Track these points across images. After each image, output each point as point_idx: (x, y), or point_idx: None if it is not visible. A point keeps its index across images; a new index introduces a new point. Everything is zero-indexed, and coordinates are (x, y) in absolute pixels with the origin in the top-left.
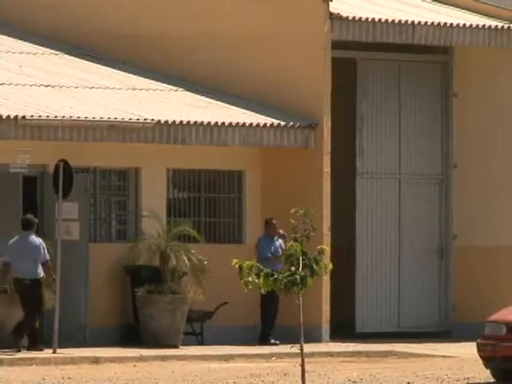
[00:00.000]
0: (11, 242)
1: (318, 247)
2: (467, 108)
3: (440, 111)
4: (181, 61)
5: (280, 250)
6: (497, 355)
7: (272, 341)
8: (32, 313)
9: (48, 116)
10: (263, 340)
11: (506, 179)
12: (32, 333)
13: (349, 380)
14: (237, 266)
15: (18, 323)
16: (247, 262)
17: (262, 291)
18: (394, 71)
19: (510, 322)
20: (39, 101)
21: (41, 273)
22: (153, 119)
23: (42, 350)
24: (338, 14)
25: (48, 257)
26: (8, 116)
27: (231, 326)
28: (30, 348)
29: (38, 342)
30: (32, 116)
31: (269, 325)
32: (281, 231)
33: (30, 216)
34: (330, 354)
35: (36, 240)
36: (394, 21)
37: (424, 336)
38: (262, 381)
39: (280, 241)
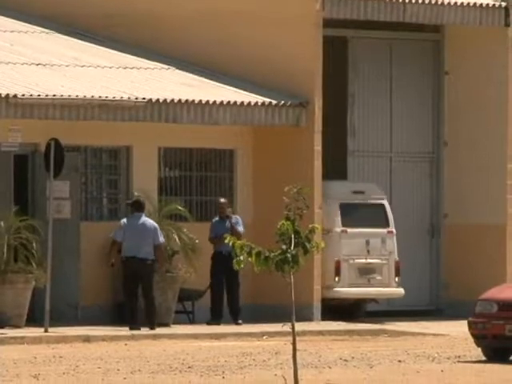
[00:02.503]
0: (122, 221)
1: (310, 226)
2: (458, 86)
3: (431, 89)
4: (172, 40)
5: (226, 231)
6: (488, 333)
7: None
8: (133, 294)
9: (39, 95)
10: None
11: (497, 157)
12: (133, 313)
13: (340, 358)
14: (230, 242)
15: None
16: (238, 242)
17: (255, 269)
18: (385, 49)
19: (500, 301)
20: (30, 79)
21: (152, 255)
22: (144, 98)
23: (139, 329)
24: None
25: (163, 240)
26: None
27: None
28: (131, 327)
29: (136, 322)
30: (23, 95)
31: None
32: (228, 211)
33: (141, 198)
34: (322, 333)
35: (151, 222)
36: None
37: (415, 314)
38: (254, 359)
39: (237, 218)
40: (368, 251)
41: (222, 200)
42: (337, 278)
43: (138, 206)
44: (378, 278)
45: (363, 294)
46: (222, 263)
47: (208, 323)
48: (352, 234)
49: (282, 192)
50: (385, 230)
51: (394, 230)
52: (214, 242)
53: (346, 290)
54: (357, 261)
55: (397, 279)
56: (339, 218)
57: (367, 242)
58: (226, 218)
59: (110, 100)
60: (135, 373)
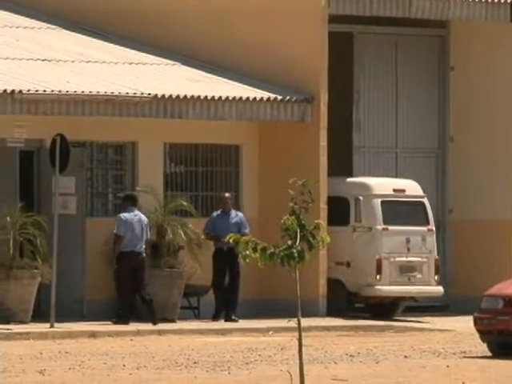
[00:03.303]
0: (123, 215)
1: (315, 221)
2: (464, 82)
3: (437, 85)
4: (178, 36)
5: (228, 226)
6: (493, 329)
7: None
8: (129, 289)
9: (45, 90)
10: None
11: (503, 153)
12: (124, 307)
13: (346, 354)
14: (231, 240)
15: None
16: (244, 238)
17: (260, 264)
18: (391, 45)
19: (506, 296)
20: (36, 75)
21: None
22: (150, 93)
23: (127, 323)
24: None
25: (149, 236)
26: (5, 90)
27: None
28: (116, 321)
29: (126, 316)
30: (29, 90)
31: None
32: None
33: (134, 192)
34: (328, 329)
35: (144, 217)
36: None
37: (421, 310)
38: (259, 355)
39: (239, 215)
40: (408, 249)
41: (227, 194)
42: (378, 276)
43: (133, 200)
44: (419, 276)
45: (404, 292)
46: (224, 260)
47: (213, 319)
48: (393, 231)
49: (288, 187)
50: (425, 228)
51: (433, 228)
52: (210, 239)
53: (387, 289)
54: (397, 259)
55: (436, 277)
56: (380, 216)
57: (407, 240)
58: (229, 211)
59: (115, 96)
60: (141, 368)
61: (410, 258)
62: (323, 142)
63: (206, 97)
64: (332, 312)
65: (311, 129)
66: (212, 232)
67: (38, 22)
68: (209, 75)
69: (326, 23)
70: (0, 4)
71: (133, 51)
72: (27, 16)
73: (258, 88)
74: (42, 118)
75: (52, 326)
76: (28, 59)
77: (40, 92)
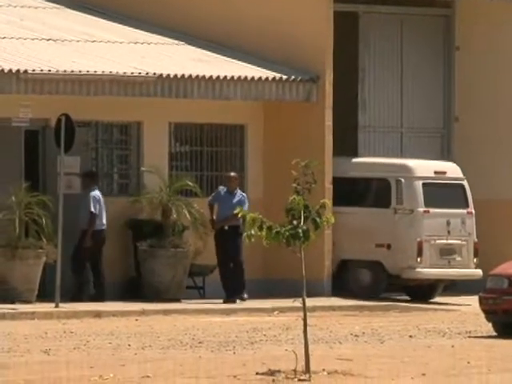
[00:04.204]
0: (97, 194)
1: (321, 201)
2: (469, 62)
3: (442, 65)
4: (183, 15)
5: (232, 205)
6: (498, 309)
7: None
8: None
9: (50, 70)
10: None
11: (508, 132)
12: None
13: (351, 334)
14: (239, 215)
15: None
16: (251, 214)
17: (264, 243)
18: (396, 25)
19: (511, 276)
20: (41, 55)
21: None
22: (155, 73)
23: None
24: None
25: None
26: (10, 70)
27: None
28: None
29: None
30: (34, 70)
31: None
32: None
33: (93, 169)
34: (333, 308)
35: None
36: None
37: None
38: (265, 335)
39: (243, 195)
40: (448, 232)
41: (233, 174)
42: (419, 259)
43: (96, 179)
44: (458, 258)
45: (443, 274)
46: (226, 239)
47: (225, 301)
48: (434, 214)
49: (292, 167)
50: (465, 211)
51: (473, 211)
52: (211, 209)
53: (428, 271)
54: (438, 241)
55: (475, 260)
56: (422, 198)
57: (448, 223)
58: (233, 191)
59: (120, 75)
60: (146, 348)
61: (450, 241)
62: (328, 122)
63: (211, 76)
64: (366, 293)
65: (316, 108)
66: (214, 202)
67: (42, 1)
68: (214, 55)
69: (332, 2)
70: None
71: (137, 31)
72: None
73: (263, 68)
74: (47, 98)
75: (57, 306)
76: (33, 39)
77: (45, 72)
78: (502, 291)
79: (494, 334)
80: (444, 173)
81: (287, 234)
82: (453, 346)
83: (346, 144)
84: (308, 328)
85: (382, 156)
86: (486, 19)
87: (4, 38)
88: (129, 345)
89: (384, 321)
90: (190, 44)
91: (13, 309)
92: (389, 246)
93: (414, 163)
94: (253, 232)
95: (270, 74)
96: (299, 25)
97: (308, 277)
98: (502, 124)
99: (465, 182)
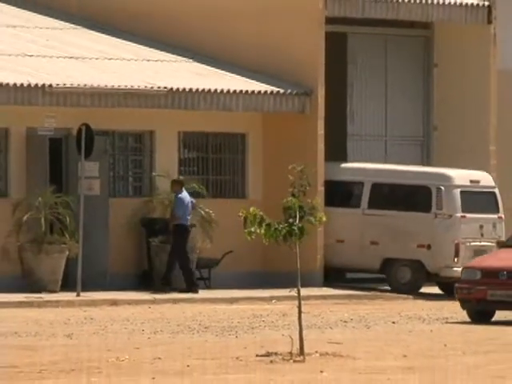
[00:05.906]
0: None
1: (313, 201)
2: (446, 77)
3: (422, 80)
4: (189, 35)
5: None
6: (472, 298)
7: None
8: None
9: (72, 84)
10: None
11: (481, 140)
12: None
13: (340, 320)
14: (242, 216)
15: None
16: (252, 208)
17: (264, 241)
18: (381, 44)
19: (483, 268)
20: (64, 71)
21: None
22: (165, 87)
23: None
24: None
25: None
26: (36, 84)
27: (235, 272)
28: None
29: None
30: (58, 84)
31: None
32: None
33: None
34: (324, 297)
35: None
36: None
37: None
38: (263, 321)
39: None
40: (482, 235)
41: (174, 178)
42: (456, 259)
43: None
44: None
45: None
46: (186, 236)
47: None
48: (469, 219)
49: (289, 172)
50: (496, 216)
51: (503, 216)
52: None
53: None
54: (472, 243)
55: None
56: (459, 205)
57: (481, 227)
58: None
59: (134, 89)
60: (157, 333)
61: (482, 243)
62: (321, 131)
63: (216, 90)
64: (407, 289)
65: (310, 119)
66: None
67: (63, 23)
68: (218, 71)
69: (323, 24)
70: (31, 7)
71: (150, 49)
72: (56, 18)
73: (262, 82)
74: (69, 109)
75: (78, 295)
76: (57, 57)
77: (67, 86)
78: (475, 282)
79: (469, 320)
80: (478, 181)
81: (284, 231)
82: (431, 331)
83: (337, 151)
84: (302, 315)
85: (368, 161)
86: (460, 39)
87: (32, 55)
88: (142, 330)
89: (370, 308)
90: (196, 61)
91: (39, 297)
92: (429, 247)
93: (453, 173)
94: (253, 230)
95: (269, 88)
96: (294, 44)
97: (302, 269)
98: (475, 132)
99: (496, 190)
